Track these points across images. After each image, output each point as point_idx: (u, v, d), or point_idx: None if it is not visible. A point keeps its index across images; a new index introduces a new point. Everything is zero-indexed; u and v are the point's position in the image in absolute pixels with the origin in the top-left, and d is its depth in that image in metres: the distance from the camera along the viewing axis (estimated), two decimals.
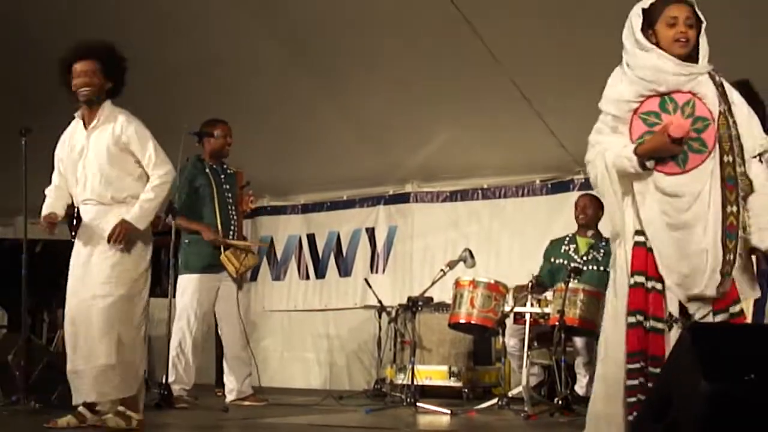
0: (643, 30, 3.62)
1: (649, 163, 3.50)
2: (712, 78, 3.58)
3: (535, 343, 6.61)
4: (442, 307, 7.45)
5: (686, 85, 3.55)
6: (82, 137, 5.01)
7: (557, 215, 8.00)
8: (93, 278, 4.84)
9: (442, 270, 6.80)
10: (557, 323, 6.02)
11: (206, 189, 6.64)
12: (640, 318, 3.49)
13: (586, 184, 7.95)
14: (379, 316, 7.74)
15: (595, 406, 3.69)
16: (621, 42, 6.04)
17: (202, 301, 6.51)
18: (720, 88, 3.56)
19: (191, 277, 6.54)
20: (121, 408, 4.81)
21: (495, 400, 6.42)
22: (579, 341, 6.49)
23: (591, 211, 6.99)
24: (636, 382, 3.46)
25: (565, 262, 6.84)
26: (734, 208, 3.47)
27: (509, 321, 6.59)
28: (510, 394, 6.47)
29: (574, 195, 7.79)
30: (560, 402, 5.97)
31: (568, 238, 7.08)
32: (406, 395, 6.66)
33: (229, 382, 6.66)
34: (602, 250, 6.86)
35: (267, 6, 6.63)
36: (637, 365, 3.46)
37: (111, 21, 6.86)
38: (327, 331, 9.20)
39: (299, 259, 9.43)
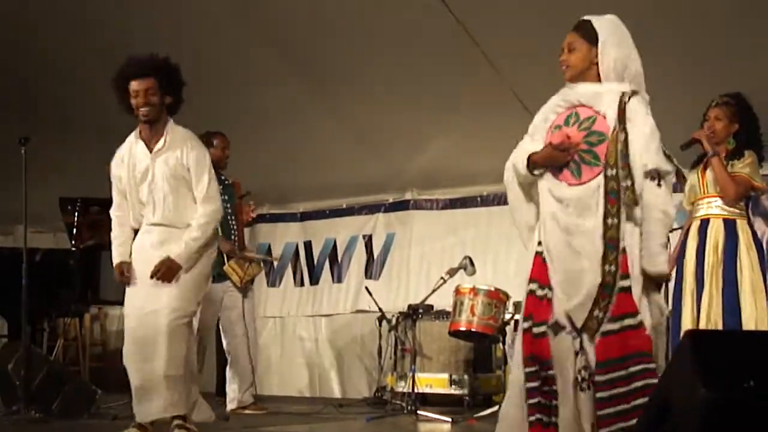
0: None
1: (538, 171, 3.75)
2: (621, 97, 3.70)
3: None
4: (442, 314, 7.45)
5: (588, 102, 3.76)
6: (145, 158, 4.93)
7: None
8: (166, 292, 4.79)
9: (442, 278, 6.81)
10: None
11: None
12: (530, 323, 3.69)
13: None
14: (380, 324, 7.74)
15: (504, 407, 3.85)
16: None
17: (204, 311, 6.50)
18: (622, 106, 3.68)
19: None
20: (179, 422, 4.82)
21: (496, 408, 6.40)
22: None
23: None
24: (533, 384, 3.64)
25: None
26: (615, 221, 3.60)
27: (509, 328, 6.59)
28: None
29: None
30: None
31: None
32: (406, 403, 6.66)
33: (231, 390, 6.66)
34: None
35: (264, 15, 6.64)
36: (533, 368, 3.65)
37: (111, 31, 6.89)
38: (318, 336, 9.19)
39: (295, 265, 9.43)
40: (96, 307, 9.40)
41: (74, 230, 7.94)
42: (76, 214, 7.90)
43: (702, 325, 5.19)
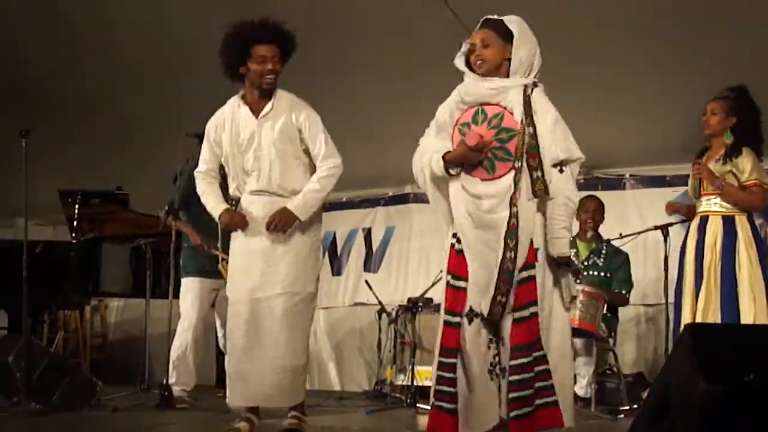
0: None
1: (454, 170, 3.87)
2: (525, 90, 3.87)
3: None
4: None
5: (494, 98, 3.88)
6: (251, 124, 4.76)
7: None
8: (282, 275, 4.66)
9: (441, 271, 6.80)
10: None
11: None
12: (450, 316, 3.91)
13: (586, 184, 7.96)
14: (379, 317, 7.74)
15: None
16: (620, 50, 6.11)
17: (202, 304, 6.50)
18: (527, 99, 3.85)
19: (190, 280, 6.53)
20: (296, 413, 4.74)
21: None
22: (579, 342, 6.49)
23: (599, 216, 6.99)
24: (447, 374, 3.84)
25: None
26: (516, 209, 3.76)
27: None
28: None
29: None
30: None
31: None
32: (406, 396, 6.67)
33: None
34: (603, 254, 6.86)
35: (262, 9, 6.63)
36: (451, 360, 3.84)
37: (112, 26, 6.89)
38: (317, 329, 9.18)
39: None
40: (96, 299, 9.41)
41: (74, 222, 7.94)
42: (77, 206, 7.90)
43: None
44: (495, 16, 4.03)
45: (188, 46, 7.10)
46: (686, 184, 5.71)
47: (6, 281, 7.06)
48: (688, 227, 5.53)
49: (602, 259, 6.84)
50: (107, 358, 9.60)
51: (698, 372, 2.91)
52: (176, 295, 6.61)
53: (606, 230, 7.05)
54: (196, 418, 5.94)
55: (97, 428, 5.54)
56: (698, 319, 5.22)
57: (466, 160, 3.86)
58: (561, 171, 3.86)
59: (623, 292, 6.81)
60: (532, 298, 3.78)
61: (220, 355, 7.53)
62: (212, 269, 6.42)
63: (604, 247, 6.88)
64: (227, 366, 4.81)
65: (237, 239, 4.82)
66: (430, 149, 3.98)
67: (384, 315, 7.67)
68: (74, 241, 7.88)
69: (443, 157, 3.88)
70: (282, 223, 4.63)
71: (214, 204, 4.85)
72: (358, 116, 7.86)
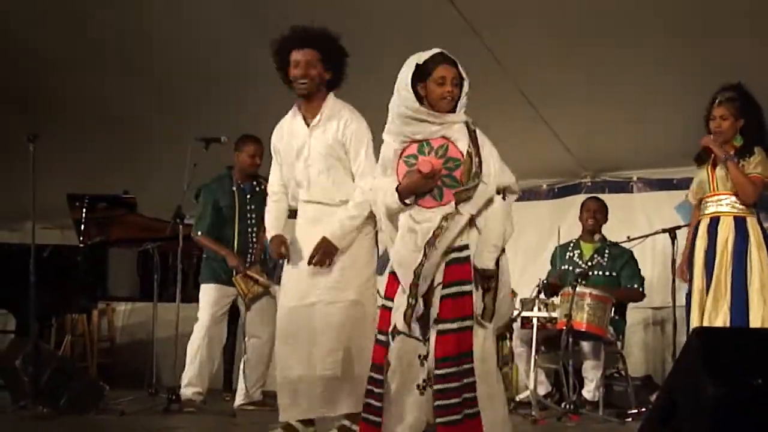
0: (414, 80, 4.09)
1: (409, 200, 4.04)
2: (467, 125, 4.09)
3: (543, 348, 6.59)
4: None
5: (439, 133, 4.06)
6: (302, 133, 4.69)
7: (563, 219, 7.99)
8: (318, 282, 4.58)
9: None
10: (565, 327, 6.02)
11: (229, 211, 6.55)
12: (380, 335, 4.04)
13: (593, 188, 7.96)
14: None
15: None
16: (625, 47, 6.07)
17: (213, 309, 6.50)
18: (473, 134, 4.07)
19: (207, 286, 6.55)
20: (346, 422, 4.58)
21: None
22: (586, 345, 6.49)
23: (601, 215, 7.01)
24: (376, 389, 4.00)
25: (571, 268, 6.82)
26: (445, 223, 3.95)
27: (516, 325, 6.59)
28: (517, 399, 6.47)
29: (580, 198, 7.78)
30: (568, 406, 5.97)
31: (572, 244, 7.08)
32: None
33: (242, 387, 6.64)
34: (607, 254, 6.86)
35: (266, 11, 6.63)
36: (379, 376, 4.00)
37: (120, 29, 6.89)
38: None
39: None
40: (104, 302, 9.42)
41: (82, 226, 7.96)
42: (84, 210, 7.92)
43: (706, 325, 5.19)
44: (452, 56, 4.19)
45: (198, 50, 7.11)
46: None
47: (13, 285, 7.07)
48: (697, 228, 5.50)
49: (606, 259, 6.84)
50: (114, 362, 9.61)
51: (706, 375, 2.90)
52: (183, 299, 6.61)
53: (613, 233, 7.05)
54: (204, 422, 5.94)
55: None
56: (706, 322, 5.21)
57: (418, 189, 4.03)
58: (504, 198, 4.10)
59: (635, 286, 6.81)
60: (465, 313, 3.95)
61: (228, 359, 7.56)
62: (226, 277, 6.44)
63: (608, 248, 6.87)
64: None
65: (292, 251, 4.73)
66: (382, 189, 4.14)
67: None
68: (82, 245, 7.89)
69: (396, 190, 4.04)
70: (323, 257, 4.55)
71: (269, 226, 4.84)
72: (365, 120, 7.85)
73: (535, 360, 6.24)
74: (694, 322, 5.31)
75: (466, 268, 3.99)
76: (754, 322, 5.11)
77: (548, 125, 7.31)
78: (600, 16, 6.10)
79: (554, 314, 6.33)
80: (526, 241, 8.22)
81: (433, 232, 3.94)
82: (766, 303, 5.15)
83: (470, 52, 6.50)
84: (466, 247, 4.00)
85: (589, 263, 6.79)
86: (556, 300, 6.39)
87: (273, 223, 4.83)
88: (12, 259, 7.60)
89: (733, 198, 5.34)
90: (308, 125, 4.71)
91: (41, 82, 7.65)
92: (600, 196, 7.49)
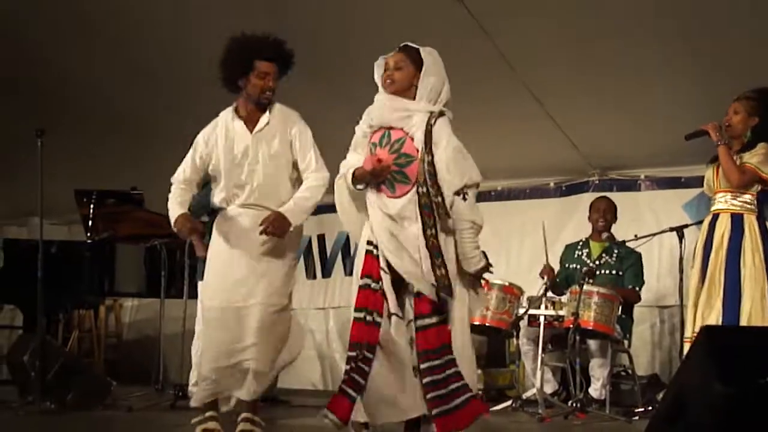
0: None
1: (360, 186, 4.28)
2: (429, 119, 4.19)
3: (550, 346, 6.60)
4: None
5: (399, 123, 4.23)
6: (245, 138, 4.79)
7: (570, 217, 7.99)
8: (264, 286, 4.71)
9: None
10: (572, 325, 6.01)
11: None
12: (363, 314, 4.20)
13: (601, 186, 7.95)
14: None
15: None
16: (633, 45, 6.06)
17: None
18: (429, 130, 4.16)
19: (200, 283, 6.56)
20: (248, 414, 4.79)
21: (509, 403, 6.42)
22: (593, 344, 6.48)
23: (610, 215, 6.99)
24: (348, 366, 4.20)
25: (579, 267, 6.82)
26: (432, 231, 4.14)
27: (523, 323, 6.59)
28: (524, 397, 6.48)
29: (587, 196, 7.78)
30: (574, 404, 5.97)
31: (581, 243, 7.07)
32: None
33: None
34: (615, 254, 6.85)
35: (271, 11, 6.63)
36: (353, 353, 4.18)
37: (124, 26, 6.90)
38: (328, 329, 9.20)
39: (308, 259, 9.42)
40: (111, 298, 9.44)
41: (89, 222, 7.97)
42: (92, 206, 7.92)
43: (698, 322, 5.20)
44: (412, 44, 4.33)
45: (205, 47, 7.10)
46: (701, 186, 5.70)
47: (21, 281, 7.08)
48: (702, 225, 5.51)
49: (614, 259, 6.83)
50: (122, 358, 9.63)
51: (714, 374, 2.90)
52: (191, 295, 6.62)
53: (621, 232, 7.04)
54: None
55: (111, 428, 5.56)
56: (699, 318, 5.22)
57: (367, 181, 4.27)
58: (464, 198, 4.18)
59: (634, 287, 6.80)
60: (437, 308, 4.14)
61: None
62: None
63: (617, 248, 6.86)
64: (197, 368, 4.96)
65: (218, 246, 4.84)
66: (349, 165, 4.38)
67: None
68: (89, 241, 7.90)
69: (353, 174, 4.29)
70: (277, 228, 4.64)
71: (173, 207, 4.87)
72: None
73: (542, 358, 6.24)
74: (689, 319, 5.32)
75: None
76: (743, 316, 5.12)
77: (556, 123, 7.29)
78: (609, 14, 6.09)
79: (561, 312, 6.33)
80: (533, 240, 8.21)
81: (428, 244, 4.14)
82: (754, 300, 5.14)
83: (479, 50, 6.53)
84: None
85: (598, 262, 6.78)
86: (564, 298, 6.39)
87: (179, 205, 4.85)
88: (19, 254, 7.61)
89: (734, 195, 5.34)
90: (251, 130, 4.80)
91: (49, 78, 7.66)
92: (607, 194, 7.48)
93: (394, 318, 4.18)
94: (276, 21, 6.75)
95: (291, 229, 4.71)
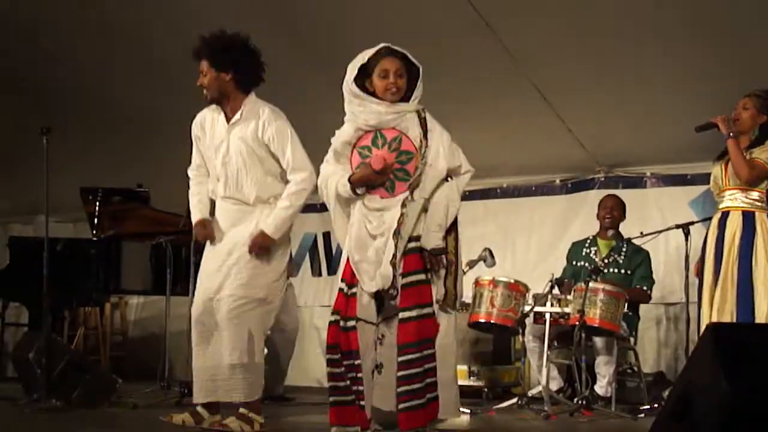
0: (362, 80, 4.29)
1: (360, 190, 4.24)
2: (418, 113, 4.27)
3: (555, 343, 6.59)
4: (461, 306, 7.42)
5: (392, 123, 4.24)
6: (222, 130, 4.88)
7: (576, 215, 7.98)
8: (231, 279, 4.78)
9: (462, 269, 6.79)
10: (577, 323, 6.00)
11: None
12: (338, 317, 4.24)
13: (606, 183, 7.93)
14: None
15: None
16: (639, 43, 6.04)
17: None
18: (423, 121, 4.25)
19: None
20: (243, 410, 4.82)
21: (515, 400, 6.41)
22: (599, 341, 6.47)
23: (618, 212, 6.98)
24: (335, 370, 4.21)
25: (587, 264, 6.81)
26: (405, 209, 4.17)
27: (529, 320, 6.57)
28: (530, 394, 6.46)
29: (593, 194, 7.77)
30: (580, 402, 5.96)
31: (588, 241, 7.06)
32: None
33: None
34: (623, 252, 6.83)
35: (280, 5, 6.62)
36: (335, 356, 4.21)
37: (129, 21, 6.90)
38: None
39: (313, 256, 9.41)
40: (116, 296, 9.44)
41: (95, 220, 7.97)
42: (97, 203, 7.93)
43: (714, 319, 5.19)
44: (399, 49, 4.33)
45: None
46: (707, 183, 5.70)
47: (27, 278, 7.09)
48: (710, 223, 5.50)
49: (623, 257, 6.81)
50: (127, 355, 9.62)
51: (720, 371, 2.88)
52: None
53: (627, 229, 7.02)
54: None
55: (117, 425, 5.56)
56: (715, 316, 5.21)
57: (370, 182, 4.22)
58: (448, 178, 4.29)
59: (644, 288, 6.79)
60: (424, 301, 4.17)
61: None
62: None
63: (625, 246, 6.84)
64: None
65: (207, 245, 4.99)
66: (335, 176, 4.30)
67: None
68: (95, 239, 7.91)
69: (349, 180, 4.22)
70: (261, 248, 4.78)
71: (192, 209, 5.02)
72: None
73: (547, 355, 6.23)
74: (704, 317, 5.31)
75: (420, 257, 4.21)
76: (759, 316, 5.11)
77: (562, 121, 7.28)
78: (614, 11, 6.08)
79: (567, 309, 6.32)
80: (539, 237, 8.21)
81: (397, 220, 4.14)
82: None
83: (484, 47, 6.52)
84: (418, 237, 4.21)
85: (606, 260, 6.77)
86: (569, 296, 6.38)
87: (198, 208, 5.01)
88: (25, 252, 7.63)
89: (744, 193, 5.33)
90: (228, 122, 4.87)
91: (55, 76, 7.67)
92: (613, 191, 7.47)
93: (360, 322, 4.22)
94: (282, 16, 6.78)
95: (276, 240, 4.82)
